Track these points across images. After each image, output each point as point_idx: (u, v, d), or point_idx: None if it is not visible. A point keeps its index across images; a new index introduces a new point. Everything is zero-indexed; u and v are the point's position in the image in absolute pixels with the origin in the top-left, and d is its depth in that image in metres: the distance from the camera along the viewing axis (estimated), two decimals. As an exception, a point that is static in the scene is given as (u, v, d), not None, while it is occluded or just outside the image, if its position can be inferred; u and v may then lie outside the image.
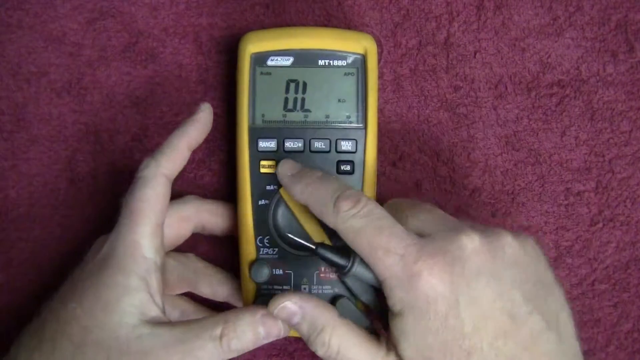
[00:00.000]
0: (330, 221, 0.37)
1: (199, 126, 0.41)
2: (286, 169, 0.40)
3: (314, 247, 0.38)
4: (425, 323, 0.33)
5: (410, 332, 0.34)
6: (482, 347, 0.33)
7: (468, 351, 0.33)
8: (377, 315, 0.39)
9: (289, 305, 0.37)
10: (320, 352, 0.36)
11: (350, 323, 0.37)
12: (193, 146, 0.41)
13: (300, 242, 0.40)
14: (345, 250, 0.37)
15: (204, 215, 0.44)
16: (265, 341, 0.38)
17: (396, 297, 0.34)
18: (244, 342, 0.37)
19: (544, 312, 0.34)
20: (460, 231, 0.35)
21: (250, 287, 0.42)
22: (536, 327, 0.34)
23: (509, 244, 0.35)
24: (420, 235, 0.36)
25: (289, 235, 0.40)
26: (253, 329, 0.37)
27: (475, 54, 0.47)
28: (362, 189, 0.42)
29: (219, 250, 0.47)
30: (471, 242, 0.34)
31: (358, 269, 0.37)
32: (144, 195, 0.39)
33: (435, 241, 0.35)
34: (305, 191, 0.38)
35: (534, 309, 0.34)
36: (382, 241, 0.35)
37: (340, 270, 0.37)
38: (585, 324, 0.47)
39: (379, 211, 0.36)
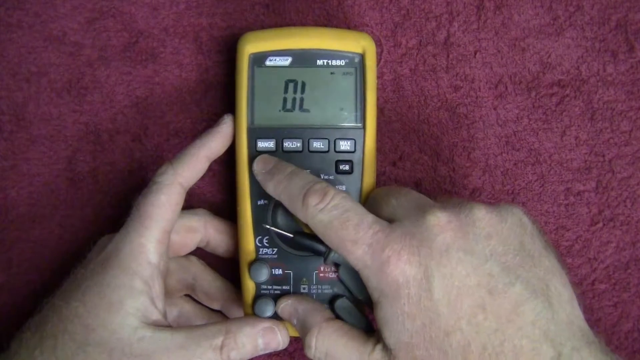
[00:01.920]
0: (301, 216, 0.37)
1: (220, 138, 0.41)
2: (260, 165, 0.40)
3: (292, 235, 0.39)
4: (400, 309, 0.33)
5: (389, 319, 0.33)
6: (461, 326, 0.32)
7: (446, 331, 0.32)
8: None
9: (287, 306, 0.39)
10: (309, 355, 0.37)
11: (340, 324, 0.37)
12: (212, 158, 0.41)
13: (279, 232, 0.40)
14: None
15: (210, 231, 0.44)
16: (264, 352, 0.39)
17: (372, 287, 0.34)
18: (243, 353, 0.38)
19: (529, 281, 0.33)
20: (427, 212, 0.34)
21: (249, 287, 0.42)
22: (520, 298, 0.32)
23: (481, 218, 0.34)
24: (392, 220, 0.35)
25: (266, 226, 0.41)
26: (252, 341, 0.38)
27: (475, 53, 0.47)
28: (361, 189, 0.42)
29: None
30: (437, 221, 0.34)
31: (335, 255, 0.37)
32: (157, 201, 0.39)
33: (403, 225, 0.35)
34: (278, 188, 0.38)
35: (515, 280, 0.33)
36: (349, 233, 0.35)
37: (322, 257, 0.38)
38: (585, 324, 0.47)
39: (346, 203, 0.36)
